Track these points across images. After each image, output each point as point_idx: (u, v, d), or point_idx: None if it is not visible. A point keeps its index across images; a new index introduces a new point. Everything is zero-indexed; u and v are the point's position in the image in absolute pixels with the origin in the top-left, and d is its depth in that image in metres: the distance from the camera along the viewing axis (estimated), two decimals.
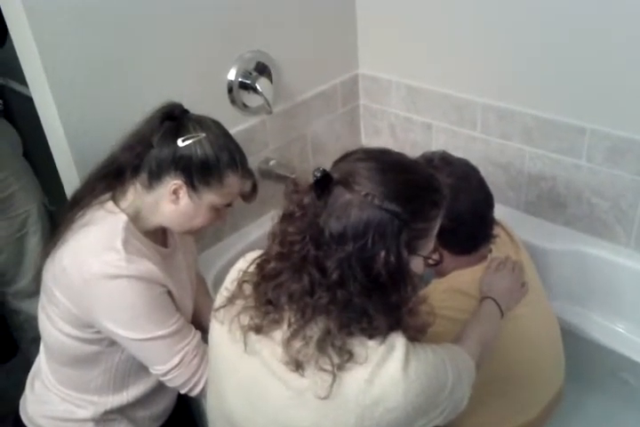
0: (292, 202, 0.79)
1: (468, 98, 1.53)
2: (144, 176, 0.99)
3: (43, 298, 1.04)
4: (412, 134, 1.71)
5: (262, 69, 1.46)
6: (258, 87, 1.42)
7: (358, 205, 0.74)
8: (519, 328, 1.12)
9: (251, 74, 1.43)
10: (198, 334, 1.04)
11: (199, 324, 1.09)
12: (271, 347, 0.79)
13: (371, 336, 0.76)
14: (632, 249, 1.42)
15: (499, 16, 1.40)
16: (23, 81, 1.18)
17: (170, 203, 1.00)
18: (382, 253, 0.74)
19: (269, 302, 0.79)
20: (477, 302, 1.09)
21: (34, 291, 1.08)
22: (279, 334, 0.79)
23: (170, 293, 1.02)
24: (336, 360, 0.74)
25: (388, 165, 0.78)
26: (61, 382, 1.08)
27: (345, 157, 0.81)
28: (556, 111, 1.40)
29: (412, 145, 1.70)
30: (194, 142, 0.97)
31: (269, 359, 0.79)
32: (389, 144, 1.74)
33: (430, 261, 0.83)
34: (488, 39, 1.44)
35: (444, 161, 1.12)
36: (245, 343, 0.81)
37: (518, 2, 1.35)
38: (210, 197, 1.00)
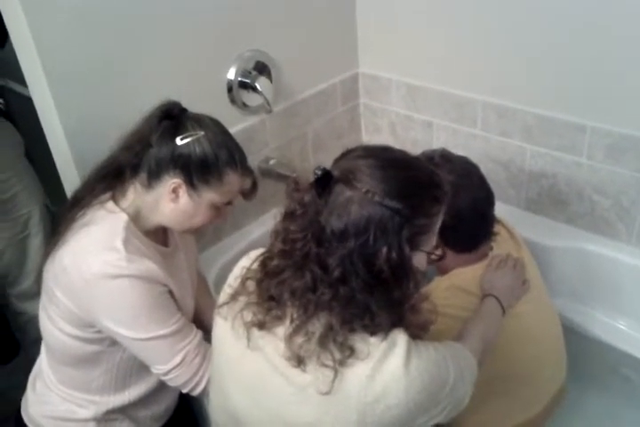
0: (294, 200, 0.79)
1: (469, 96, 1.53)
2: (143, 175, 0.99)
3: (43, 298, 1.05)
4: (412, 132, 1.71)
5: (262, 68, 1.46)
6: (257, 86, 1.42)
7: (359, 201, 0.74)
8: (521, 326, 1.12)
9: (250, 73, 1.43)
10: (200, 334, 1.04)
11: (200, 323, 1.09)
12: (274, 343, 0.79)
13: (373, 333, 0.76)
14: (633, 246, 1.42)
15: (499, 14, 1.40)
16: (23, 82, 1.18)
17: (170, 202, 1.00)
18: (384, 250, 0.74)
19: (272, 299, 0.80)
20: (479, 299, 1.09)
21: (37, 292, 1.08)
22: (282, 329, 0.79)
23: (171, 292, 1.02)
24: (338, 356, 0.74)
25: (388, 161, 0.78)
26: (63, 381, 1.08)
27: (345, 155, 0.82)
28: (556, 109, 1.40)
29: (413, 143, 1.70)
30: (192, 141, 0.96)
31: (272, 355, 0.79)
32: (390, 142, 1.74)
33: (433, 257, 0.83)
34: (488, 37, 1.44)
35: (445, 159, 1.12)
36: (248, 339, 0.81)
37: (518, 0, 1.35)
38: (209, 195, 1.00)
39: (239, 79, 1.42)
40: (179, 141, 0.96)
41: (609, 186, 1.39)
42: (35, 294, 1.13)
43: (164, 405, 1.15)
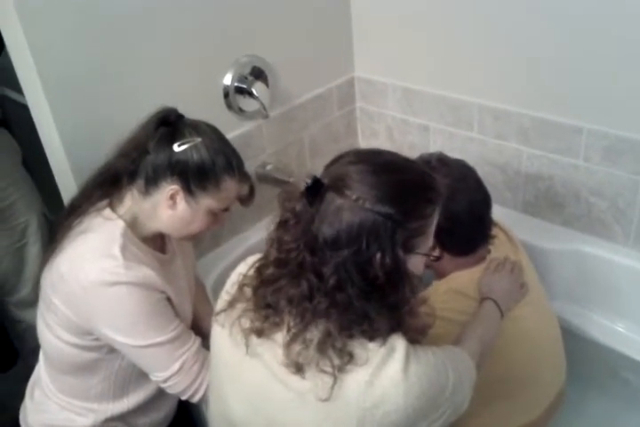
0: (286, 210, 0.79)
1: (465, 99, 1.53)
2: (141, 182, 0.99)
3: (41, 306, 1.04)
4: (409, 136, 1.71)
5: (258, 74, 1.46)
6: (254, 92, 1.42)
7: (350, 209, 0.74)
8: (519, 329, 1.12)
9: (247, 78, 1.43)
10: (198, 340, 1.03)
11: (199, 330, 1.09)
12: (273, 349, 0.79)
13: (371, 338, 0.76)
14: (630, 248, 1.42)
15: (494, 17, 1.40)
16: (20, 90, 1.18)
17: (167, 208, 1.00)
18: (378, 256, 0.74)
19: (269, 306, 0.79)
20: (477, 303, 1.09)
21: (35, 300, 1.08)
22: (280, 336, 0.79)
23: (169, 299, 1.02)
24: (336, 362, 0.74)
25: (379, 166, 0.78)
26: (61, 390, 1.08)
27: (336, 161, 0.81)
28: (552, 111, 1.40)
29: (410, 147, 1.71)
30: (190, 147, 0.97)
31: (271, 362, 0.79)
32: (387, 146, 1.73)
33: (431, 258, 0.83)
34: (483, 40, 1.44)
35: (442, 162, 1.12)
36: (247, 346, 0.81)
37: (515, 3, 1.36)
38: (207, 201, 1.00)
39: (235, 84, 1.42)
40: (176, 148, 0.96)
41: (606, 188, 1.40)
42: (33, 302, 1.13)
43: (164, 412, 1.14)
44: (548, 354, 1.19)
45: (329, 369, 0.74)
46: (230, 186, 1.01)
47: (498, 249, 1.17)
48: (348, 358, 0.74)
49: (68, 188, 1.22)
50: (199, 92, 1.36)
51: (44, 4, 1.07)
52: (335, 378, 0.74)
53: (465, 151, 1.57)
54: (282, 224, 0.79)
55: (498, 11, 1.39)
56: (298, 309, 0.76)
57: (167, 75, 1.30)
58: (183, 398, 1.03)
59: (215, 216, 1.04)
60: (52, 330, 1.02)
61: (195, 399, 1.02)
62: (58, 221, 1.07)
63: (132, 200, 1.01)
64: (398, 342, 0.76)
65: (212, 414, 0.93)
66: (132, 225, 1.01)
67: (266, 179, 1.55)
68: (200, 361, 1.01)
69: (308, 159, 1.69)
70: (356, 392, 0.74)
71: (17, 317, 1.67)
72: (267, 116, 1.46)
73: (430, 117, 1.63)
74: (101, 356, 1.02)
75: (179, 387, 1.00)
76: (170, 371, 0.99)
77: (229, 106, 1.44)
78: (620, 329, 1.43)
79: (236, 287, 0.86)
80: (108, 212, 1.01)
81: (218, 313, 0.87)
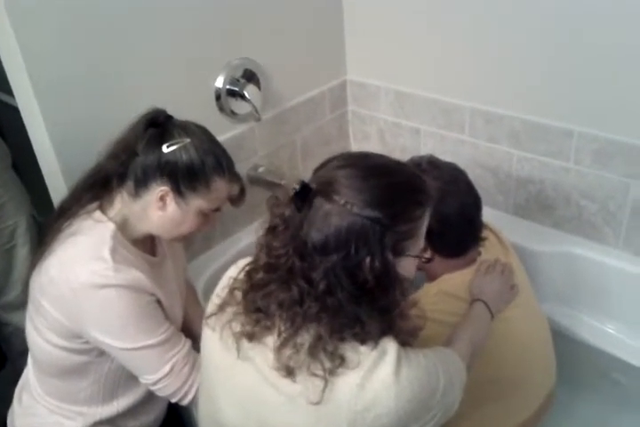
0: (275, 215, 0.79)
1: (456, 102, 1.54)
2: (130, 184, 0.99)
3: (30, 309, 1.04)
4: (400, 139, 1.71)
5: (250, 76, 1.46)
6: (246, 94, 1.42)
7: (338, 214, 0.74)
8: (510, 330, 1.12)
9: (239, 81, 1.43)
10: (188, 343, 1.03)
11: (189, 332, 1.09)
12: (264, 353, 0.79)
13: (363, 341, 0.76)
14: (620, 250, 1.43)
15: (486, 22, 1.41)
16: (11, 92, 1.18)
17: (157, 210, 0.99)
18: (367, 260, 0.74)
19: (259, 310, 0.79)
20: (468, 304, 1.09)
21: (23, 303, 1.07)
22: (271, 339, 0.78)
23: (159, 301, 1.02)
24: (328, 365, 0.74)
25: (367, 170, 0.78)
26: (50, 393, 1.07)
27: (325, 165, 0.81)
28: (543, 114, 1.41)
29: (402, 150, 1.71)
30: (179, 148, 0.96)
31: (262, 366, 0.79)
32: (378, 149, 1.75)
33: (422, 260, 0.83)
34: (475, 44, 1.45)
35: (432, 165, 1.13)
36: (238, 350, 0.81)
37: (505, 8, 1.37)
38: (197, 202, 1.00)
39: (227, 87, 1.42)
40: (165, 149, 0.96)
41: (596, 191, 1.41)
42: (21, 304, 1.12)
43: (153, 415, 1.14)
44: (539, 356, 1.20)
45: (320, 372, 0.74)
46: (220, 186, 1.00)
47: (488, 251, 1.18)
48: (340, 361, 0.74)
49: (57, 189, 1.22)
50: (191, 95, 1.36)
51: (35, 5, 1.07)
52: (326, 381, 0.73)
53: (456, 154, 1.57)
54: (271, 230, 0.79)
55: (489, 15, 1.40)
56: (288, 313, 0.76)
57: (159, 77, 1.30)
58: (173, 400, 1.02)
59: (206, 217, 1.03)
60: (41, 333, 1.01)
61: (185, 402, 1.01)
62: (47, 223, 1.06)
63: (121, 202, 1.01)
64: (390, 345, 0.76)
65: (202, 416, 0.93)
66: (123, 227, 1.01)
67: (258, 181, 1.54)
68: (190, 364, 1.00)
69: (300, 162, 1.69)
70: (348, 395, 0.73)
71: (4, 319, 1.65)
72: (259, 119, 1.46)
73: (422, 120, 1.63)
74: (91, 359, 1.02)
75: (169, 389, 1.00)
76: (160, 373, 0.98)
77: (221, 108, 1.44)
78: (610, 331, 1.44)
79: (226, 291, 0.86)
80: (98, 214, 1.00)
81: (208, 317, 0.87)
